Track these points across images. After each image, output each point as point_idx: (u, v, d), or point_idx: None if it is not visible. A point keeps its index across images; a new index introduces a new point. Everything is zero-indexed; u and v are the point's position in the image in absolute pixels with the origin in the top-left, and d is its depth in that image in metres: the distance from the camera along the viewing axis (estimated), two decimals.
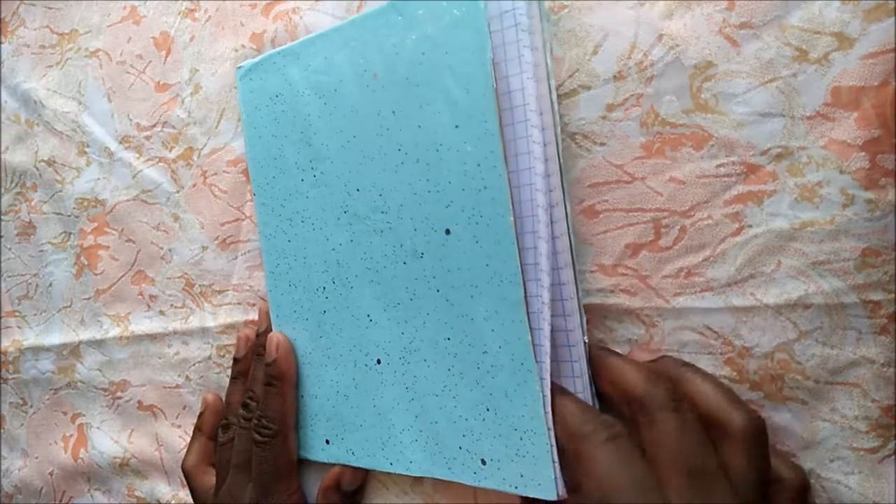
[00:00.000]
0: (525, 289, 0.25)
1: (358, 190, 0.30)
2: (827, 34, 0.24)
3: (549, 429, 0.25)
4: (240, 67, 0.34)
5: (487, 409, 0.27)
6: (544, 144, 0.26)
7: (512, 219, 0.25)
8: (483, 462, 0.27)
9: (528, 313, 0.25)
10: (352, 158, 0.30)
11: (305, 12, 0.34)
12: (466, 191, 0.26)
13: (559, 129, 0.27)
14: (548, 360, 0.25)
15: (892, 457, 0.25)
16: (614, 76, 0.27)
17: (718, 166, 0.26)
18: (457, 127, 0.26)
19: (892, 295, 0.24)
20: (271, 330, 0.34)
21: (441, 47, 0.27)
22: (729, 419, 0.24)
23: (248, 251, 0.36)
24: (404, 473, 0.29)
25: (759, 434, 0.23)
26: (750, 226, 0.26)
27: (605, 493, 0.23)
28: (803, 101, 0.25)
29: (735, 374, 0.26)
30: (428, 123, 0.27)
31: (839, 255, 0.24)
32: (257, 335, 0.35)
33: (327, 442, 0.32)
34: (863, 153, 0.24)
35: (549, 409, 0.25)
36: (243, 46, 0.36)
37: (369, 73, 0.29)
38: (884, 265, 0.24)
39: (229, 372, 0.37)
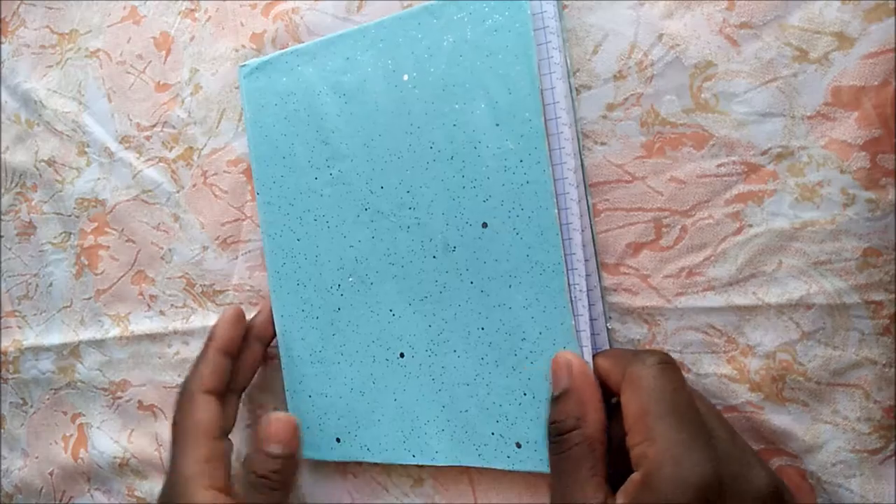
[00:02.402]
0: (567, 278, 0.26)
1: (382, 187, 0.30)
2: (827, 34, 0.24)
3: None
4: (243, 65, 0.34)
5: (524, 394, 0.28)
6: (572, 140, 0.27)
7: (556, 211, 0.26)
8: (518, 445, 0.28)
9: (571, 300, 0.26)
10: (375, 156, 0.30)
11: (305, 12, 0.34)
12: (507, 186, 0.27)
13: (579, 126, 0.28)
14: (589, 345, 0.26)
15: (894, 458, 0.24)
16: (614, 76, 0.27)
17: (719, 166, 0.26)
18: (497, 125, 0.27)
19: (894, 295, 0.24)
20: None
21: (482, 50, 0.28)
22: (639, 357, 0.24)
23: (249, 251, 0.36)
24: (429, 464, 0.30)
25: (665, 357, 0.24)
26: (751, 225, 0.26)
27: (649, 407, 0.22)
28: (803, 100, 0.25)
29: (736, 373, 0.26)
30: (464, 122, 0.28)
31: (840, 255, 0.24)
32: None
33: (338, 440, 0.32)
34: (863, 153, 0.24)
35: None
36: (243, 46, 0.36)
37: (398, 73, 0.30)
38: (885, 265, 0.24)
39: None
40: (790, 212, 0.25)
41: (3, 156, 0.45)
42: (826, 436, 0.25)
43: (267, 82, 0.33)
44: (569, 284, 0.26)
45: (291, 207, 0.33)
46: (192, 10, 0.38)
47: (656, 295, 0.27)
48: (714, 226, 0.26)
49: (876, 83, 0.24)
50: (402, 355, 0.30)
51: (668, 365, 0.23)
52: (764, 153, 0.25)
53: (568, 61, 0.28)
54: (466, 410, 0.29)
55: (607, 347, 0.28)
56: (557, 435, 0.24)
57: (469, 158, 0.28)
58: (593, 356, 0.26)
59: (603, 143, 0.28)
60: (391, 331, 0.31)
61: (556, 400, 0.25)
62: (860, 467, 0.25)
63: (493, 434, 0.28)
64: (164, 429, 0.40)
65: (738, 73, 0.25)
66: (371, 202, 0.31)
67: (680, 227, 0.27)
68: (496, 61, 0.27)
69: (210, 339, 0.32)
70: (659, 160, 0.27)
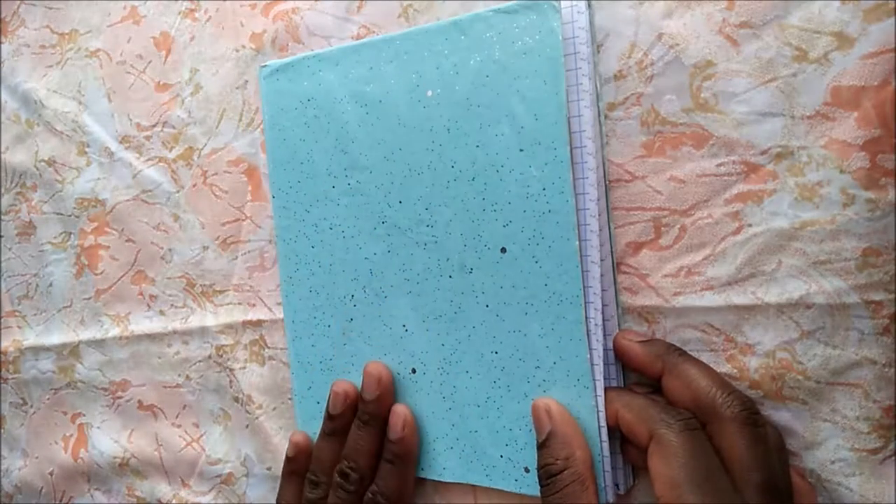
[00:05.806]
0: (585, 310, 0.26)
1: (400, 202, 0.30)
2: (827, 34, 0.24)
3: (602, 441, 0.26)
4: (264, 66, 0.34)
5: None
6: (597, 169, 0.27)
7: (577, 242, 0.26)
8: (527, 470, 0.28)
9: (587, 333, 0.26)
10: (395, 170, 0.30)
11: (305, 12, 0.34)
12: (528, 213, 0.27)
13: (605, 153, 0.28)
14: (602, 379, 0.26)
15: (893, 457, 0.24)
16: (615, 75, 0.27)
17: (719, 165, 0.26)
18: (522, 151, 0.27)
19: (893, 295, 0.24)
20: (388, 400, 0.30)
21: (509, 72, 0.27)
22: (722, 404, 0.24)
23: (249, 251, 0.36)
24: (435, 479, 0.30)
25: (754, 415, 0.24)
26: (750, 225, 0.26)
27: (681, 478, 0.22)
28: (803, 100, 0.25)
29: (736, 371, 0.26)
30: (487, 144, 0.28)
31: (840, 255, 0.24)
32: (365, 400, 0.31)
33: None
34: (863, 153, 0.24)
35: (603, 423, 0.26)
36: (243, 46, 0.36)
37: (422, 88, 0.29)
38: (885, 265, 0.24)
39: (229, 372, 0.37)
40: (790, 211, 0.25)
41: (3, 156, 0.45)
42: (825, 433, 0.25)
43: (287, 85, 0.33)
44: (585, 317, 0.26)
45: (307, 214, 0.32)
46: (192, 10, 0.38)
47: (655, 294, 0.27)
48: (713, 225, 0.26)
49: (876, 83, 0.24)
50: (413, 371, 0.30)
51: (695, 431, 0.24)
52: (763, 153, 0.25)
53: (597, 87, 0.27)
54: (476, 431, 0.29)
55: (621, 376, 0.28)
56: (549, 477, 0.25)
57: (491, 181, 0.28)
58: (612, 396, 0.26)
59: (603, 143, 0.28)
60: (404, 346, 0.30)
61: (541, 445, 0.26)
62: (859, 466, 0.25)
63: (501, 457, 0.28)
64: (164, 428, 0.40)
65: (738, 73, 0.25)
66: (388, 216, 0.30)
67: (679, 226, 0.27)
68: (524, 85, 0.27)
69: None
70: (659, 159, 0.27)
